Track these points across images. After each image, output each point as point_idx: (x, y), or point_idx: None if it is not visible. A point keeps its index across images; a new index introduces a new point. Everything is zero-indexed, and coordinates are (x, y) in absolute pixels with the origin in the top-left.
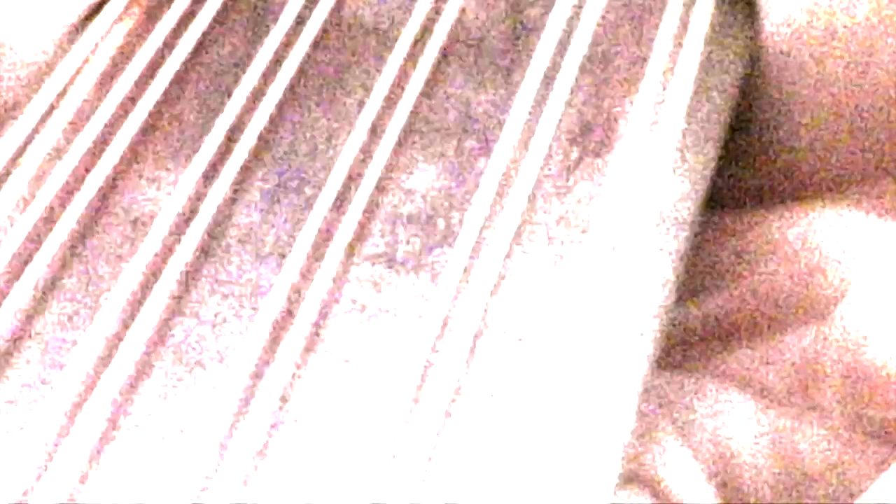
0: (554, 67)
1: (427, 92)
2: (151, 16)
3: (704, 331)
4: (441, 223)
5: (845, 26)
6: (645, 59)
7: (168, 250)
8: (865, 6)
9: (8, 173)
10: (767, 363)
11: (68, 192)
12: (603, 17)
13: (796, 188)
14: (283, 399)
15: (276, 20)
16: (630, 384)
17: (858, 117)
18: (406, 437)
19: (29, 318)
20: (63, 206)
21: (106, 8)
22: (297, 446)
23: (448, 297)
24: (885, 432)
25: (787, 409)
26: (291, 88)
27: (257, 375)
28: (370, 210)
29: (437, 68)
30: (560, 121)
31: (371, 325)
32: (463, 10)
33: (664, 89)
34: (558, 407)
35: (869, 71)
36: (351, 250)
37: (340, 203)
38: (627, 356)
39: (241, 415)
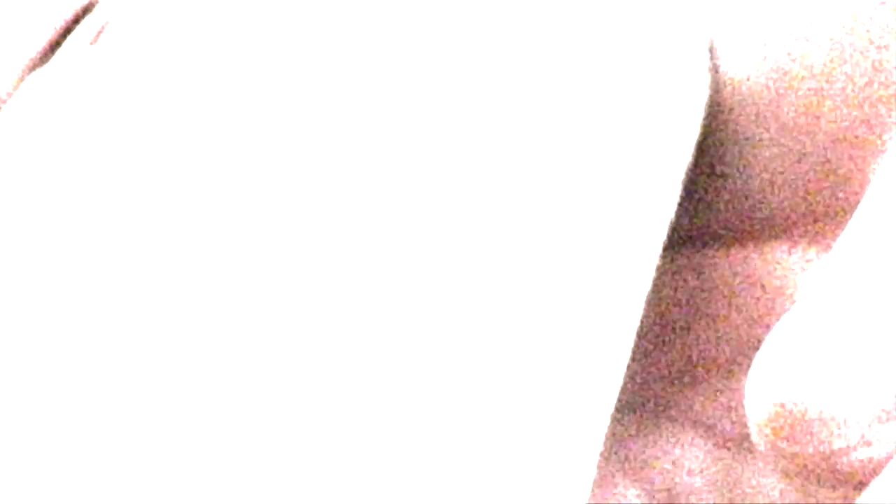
0: None
1: None
2: None
3: (660, 372)
4: None
5: (799, 73)
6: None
7: None
8: (818, 54)
9: None
10: (722, 406)
11: None
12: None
13: (753, 229)
14: None
15: None
16: (593, 431)
17: (813, 159)
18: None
19: None
20: None
21: (55, 55)
22: None
23: None
24: (815, 473)
25: (739, 451)
26: None
27: None
28: None
29: None
30: None
31: None
32: None
33: (627, 133)
34: (520, 452)
35: (822, 115)
36: None
37: None
38: (592, 403)
39: None
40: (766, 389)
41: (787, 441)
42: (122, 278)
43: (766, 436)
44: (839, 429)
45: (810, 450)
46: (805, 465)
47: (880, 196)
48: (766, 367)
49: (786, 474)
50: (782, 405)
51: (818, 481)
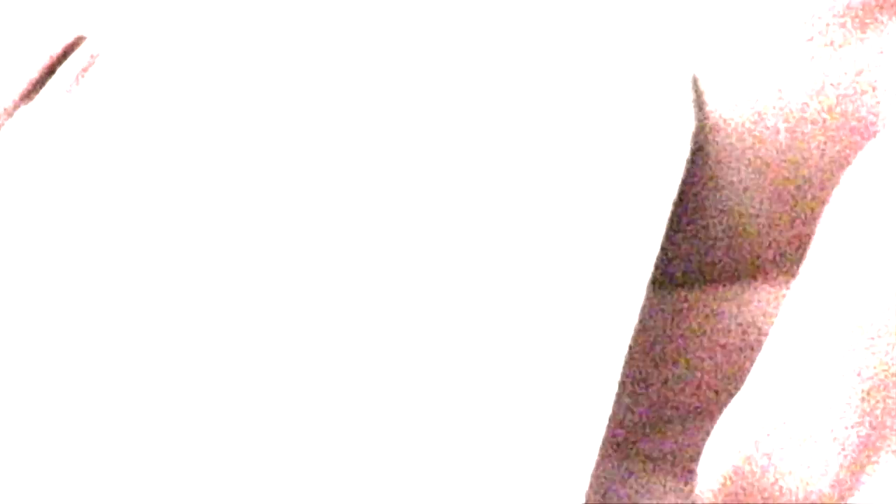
0: None
1: None
2: None
3: (638, 412)
4: None
5: (777, 115)
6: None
7: None
8: (795, 101)
9: None
10: (698, 446)
11: None
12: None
13: (732, 268)
14: None
15: None
16: (581, 467)
17: (791, 201)
18: None
19: None
20: None
21: (40, 93)
22: None
23: None
24: None
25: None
26: None
27: None
28: None
29: None
30: None
31: None
32: None
33: (612, 171)
34: (509, 487)
35: (799, 156)
36: None
37: None
38: (578, 444)
39: None
40: (719, 458)
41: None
42: (102, 309)
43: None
44: (791, 496)
45: None
46: None
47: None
48: (723, 436)
49: None
50: (735, 473)
51: None
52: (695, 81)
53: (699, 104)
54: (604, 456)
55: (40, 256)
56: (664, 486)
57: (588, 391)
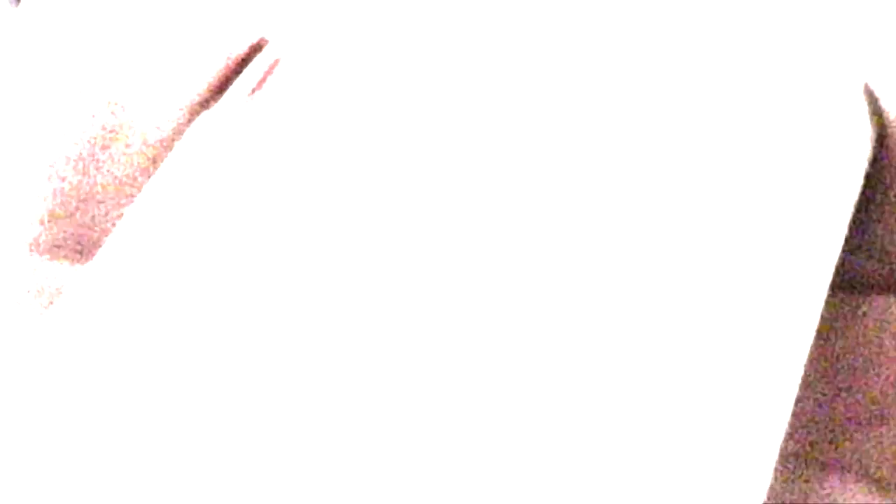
0: None
1: None
2: None
3: (828, 419)
4: None
5: None
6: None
7: None
8: None
9: None
10: (884, 452)
11: None
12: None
13: None
14: None
15: None
16: (759, 476)
17: None
18: None
19: None
20: None
21: (221, 99)
22: None
23: None
24: None
25: None
26: None
27: None
28: None
29: None
30: None
31: None
32: None
33: (790, 175)
34: (684, 497)
35: None
36: None
37: None
38: (758, 448)
39: None
40: None
41: None
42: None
43: None
44: None
45: None
46: None
47: None
48: None
49: None
50: None
51: None
52: (867, 86)
53: (877, 108)
54: (783, 465)
55: (227, 263)
56: (856, 492)
57: (767, 397)
